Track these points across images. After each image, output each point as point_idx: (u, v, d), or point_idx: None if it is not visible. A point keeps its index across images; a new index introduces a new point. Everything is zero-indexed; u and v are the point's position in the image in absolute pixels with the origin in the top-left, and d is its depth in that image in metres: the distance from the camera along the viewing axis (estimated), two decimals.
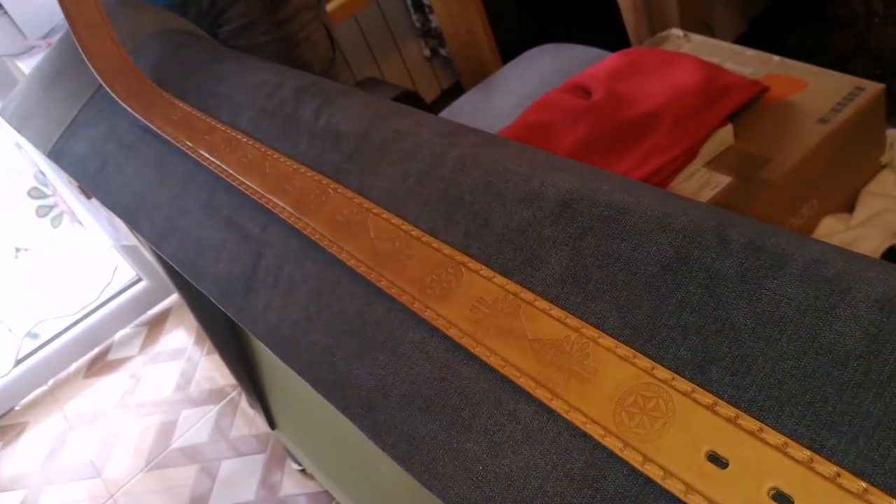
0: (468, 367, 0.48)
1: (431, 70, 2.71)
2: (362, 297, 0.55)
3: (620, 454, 0.39)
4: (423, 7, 2.53)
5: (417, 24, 2.58)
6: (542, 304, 0.47)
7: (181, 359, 2.43)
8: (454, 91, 2.65)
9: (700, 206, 0.46)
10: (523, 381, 0.45)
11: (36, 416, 2.47)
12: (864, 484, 0.31)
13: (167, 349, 2.50)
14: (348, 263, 0.57)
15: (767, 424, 0.35)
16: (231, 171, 0.71)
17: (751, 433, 0.35)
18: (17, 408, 2.52)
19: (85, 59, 0.91)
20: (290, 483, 1.91)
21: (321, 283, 0.58)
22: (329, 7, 2.01)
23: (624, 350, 0.42)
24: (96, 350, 2.63)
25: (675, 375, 0.40)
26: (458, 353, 0.48)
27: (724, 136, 1.23)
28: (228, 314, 0.64)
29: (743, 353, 0.38)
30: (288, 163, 0.68)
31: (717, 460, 0.36)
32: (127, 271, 2.51)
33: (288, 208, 0.64)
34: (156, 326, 2.58)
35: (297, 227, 0.63)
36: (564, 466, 0.41)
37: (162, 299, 2.59)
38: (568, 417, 0.42)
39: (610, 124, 1.26)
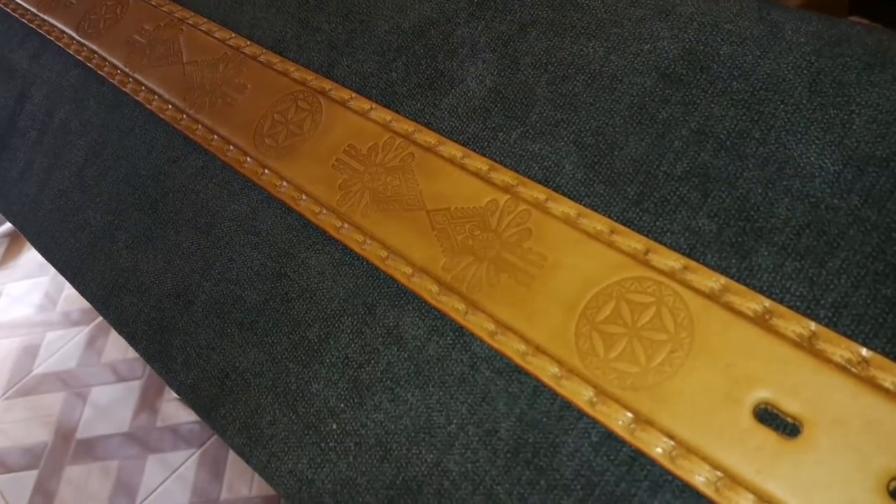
0: (324, 257, 0.28)
1: None
2: (164, 152, 0.34)
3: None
4: None
5: None
6: (448, 149, 0.27)
7: (46, 275, 2.13)
8: None
9: None
10: (416, 283, 0.25)
11: None
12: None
13: (30, 263, 2.19)
14: (147, 104, 0.36)
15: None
16: None
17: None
18: None
19: None
20: (171, 410, 1.70)
21: (106, 133, 0.37)
22: None
23: (596, 222, 0.23)
24: None
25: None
26: (309, 235, 0.29)
27: None
28: None
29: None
30: None
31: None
32: None
33: (68, 30, 0.41)
34: (18, 238, 2.26)
35: (79, 55, 0.40)
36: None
37: None
38: (499, 348, 0.23)
39: None
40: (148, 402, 1.73)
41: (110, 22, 0.40)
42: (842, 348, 0.19)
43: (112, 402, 1.84)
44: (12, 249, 2.31)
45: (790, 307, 0.20)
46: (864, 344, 0.19)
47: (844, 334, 0.19)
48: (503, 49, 0.28)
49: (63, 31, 0.42)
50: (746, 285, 0.21)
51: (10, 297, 2.15)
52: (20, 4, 0.45)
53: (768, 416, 0.19)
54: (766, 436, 0.19)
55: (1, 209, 0.39)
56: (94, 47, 0.40)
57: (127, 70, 0.37)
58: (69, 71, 0.40)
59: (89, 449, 1.69)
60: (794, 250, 0.21)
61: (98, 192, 0.35)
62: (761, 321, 0.20)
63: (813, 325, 0.19)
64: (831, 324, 0.19)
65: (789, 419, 0.19)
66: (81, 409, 1.83)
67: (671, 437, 0.20)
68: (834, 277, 0.20)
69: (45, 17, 0.43)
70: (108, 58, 0.39)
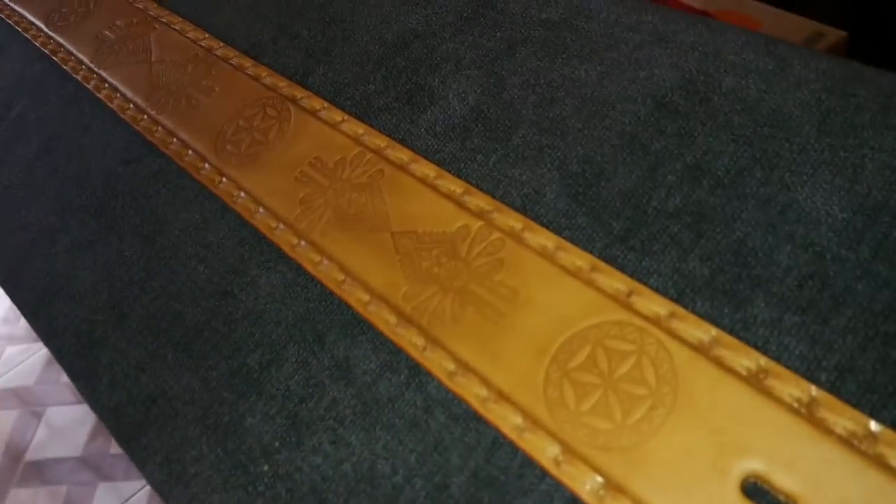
0: (276, 277, 0.25)
1: None
2: (119, 153, 0.32)
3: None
4: None
5: None
6: (422, 167, 0.25)
7: None
8: None
9: (708, 20, 0.25)
10: (372, 312, 0.23)
11: None
12: None
13: None
14: (109, 102, 0.33)
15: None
16: None
17: None
18: None
19: None
20: None
21: (62, 129, 0.34)
22: None
23: (576, 257, 0.21)
24: None
25: None
26: (262, 251, 0.26)
27: None
28: None
29: None
30: None
31: None
32: None
33: (36, 21, 0.39)
34: None
35: (44, 48, 0.38)
36: None
37: None
38: (457, 391, 0.20)
39: None
40: (104, 427, 1.66)
41: (81, 16, 0.38)
42: (845, 418, 0.16)
43: (67, 424, 1.78)
44: None
45: (788, 367, 0.17)
46: (872, 415, 0.16)
47: (849, 402, 0.17)
48: (489, 67, 0.26)
49: (32, 23, 0.39)
50: (739, 339, 0.18)
51: None
52: None
53: (757, 492, 0.16)
54: None
55: None
56: (62, 41, 0.37)
57: (92, 66, 0.35)
58: (33, 63, 0.38)
59: (38, 471, 1.61)
60: (794, 303, 0.18)
61: (45, 190, 0.33)
62: (755, 381, 0.17)
63: (813, 390, 0.17)
64: (834, 389, 0.17)
65: (782, 497, 0.16)
66: (35, 428, 1.76)
67: None
68: (839, 337, 0.18)
69: (15, 7, 0.41)
70: (75, 52, 0.36)
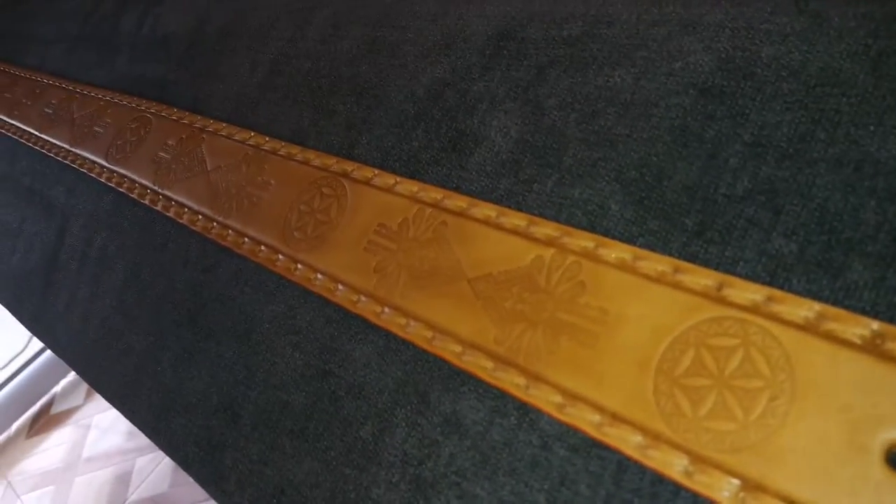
0: (368, 347, 0.26)
1: None
2: (198, 263, 0.33)
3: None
4: None
5: None
6: (482, 210, 0.25)
7: None
8: None
9: None
10: (468, 362, 0.23)
11: None
12: None
13: None
14: (179, 219, 0.35)
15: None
16: (30, 129, 0.49)
17: None
18: None
19: None
20: None
21: (142, 253, 0.36)
22: None
23: (656, 262, 0.21)
24: (38, 405, 2.36)
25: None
26: (349, 326, 0.27)
27: None
28: (25, 326, 0.41)
29: None
30: (99, 96, 0.45)
31: None
32: None
33: (98, 159, 0.42)
34: None
35: (109, 182, 0.40)
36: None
37: None
38: (570, 422, 0.20)
39: None
40: None
41: (135, 144, 0.40)
42: None
43: None
44: None
45: None
46: None
47: None
48: (524, 96, 0.26)
49: (94, 162, 0.42)
50: (846, 308, 0.18)
51: (100, 428, 2.20)
52: (54, 143, 0.46)
53: None
54: None
55: (49, 346, 0.39)
56: (124, 171, 0.40)
57: (156, 188, 0.37)
58: (102, 198, 0.40)
59: None
60: (894, 259, 0.17)
61: (138, 314, 0.34)
62: (872, 347, 0.17)
63: None
64: None
65: None
66: None
67: (791, 503, 0.16)
68: None
69: (78, 151, 0.44)
70: (137, 179, 0.38)
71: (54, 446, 2.21)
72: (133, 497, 1.94)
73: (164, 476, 1.98)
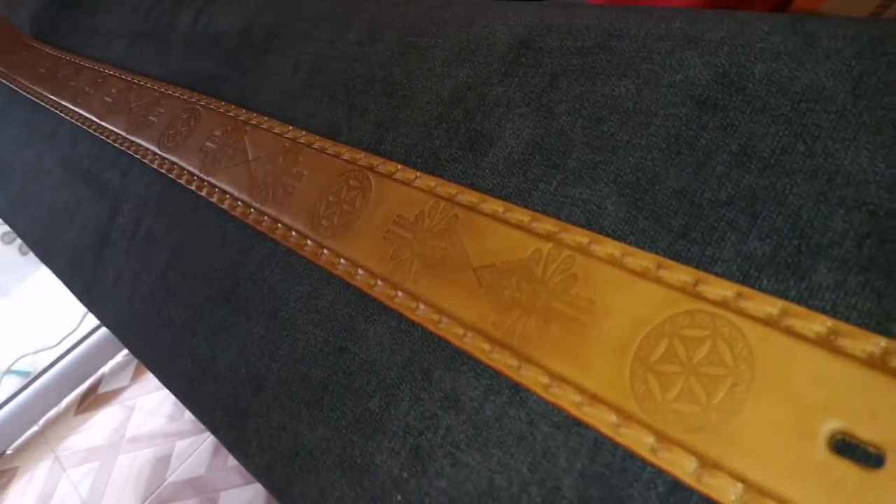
0: (382, 327, 0.28)
1: None
2: (235, 245, 0.36)
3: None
4: None
5: None
6: (490, 205, 0.27)
7: None
8: None
9: (735, 13, 0.26)
10: (469, 343, 0.25)
11: (26, 460, 2.29)
12: None
13: None
14: (220, 204, 0.38)
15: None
16: (91, 116, 0.52)
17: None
18: (8, 452, 2.35)
19: None
20: None
21: (185, 235, 0.39)
22: None
23: (642, 259, 0.22)
24: (87, 384, 2.45)
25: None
26: (366, 308, 0.29)
27: None
28: (76, 297, 0.45)
29: None
30: (155, 87, 0.49)
31: None
32: None
33: (151, 147, 0.45)
34: None
35: (161, 168, 0.43)
36: (545, 484, 0.21)
37: None
38: (554, 401, 0.22)
39: None
40: (273, 502, 1.75)
41: (185, 134, 0.43)
42: None
43: None
44: (142, 365, 2.43)
45: (857, 325, 0.18)
46: None
47: None
48: (537, 101, 0.28)
49: (147, 149, 0.45)
50: (808, 306, 0.19)
51: (144, 410, 2.27)
52: (112, 130, 0.49)
53: (846, 447, 0.17)
54: (846, 469, 0.17)
55: (97, 315, 0.42)
56: (174, 159, 0.43)
57: (201, 175, 0.40)
58: (153, 183, 0.44)
59: None
60: (856, 263, 0.19)
61: (179, 289, 0.37)
62: (826, 343, 0.18)
63: (884, 342, 0.17)
64: None
65: (870, 448, 0.17)
66: None
67: (742, 480, 0.18)
68: None
69: (133, 139, 0.47)
70: (186, 166, 0.41)
71: (100, 424, 2.29)
72: (171, 478, 2.01)
73: (202, 460, 2.04)
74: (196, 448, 2.03)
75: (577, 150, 0.26)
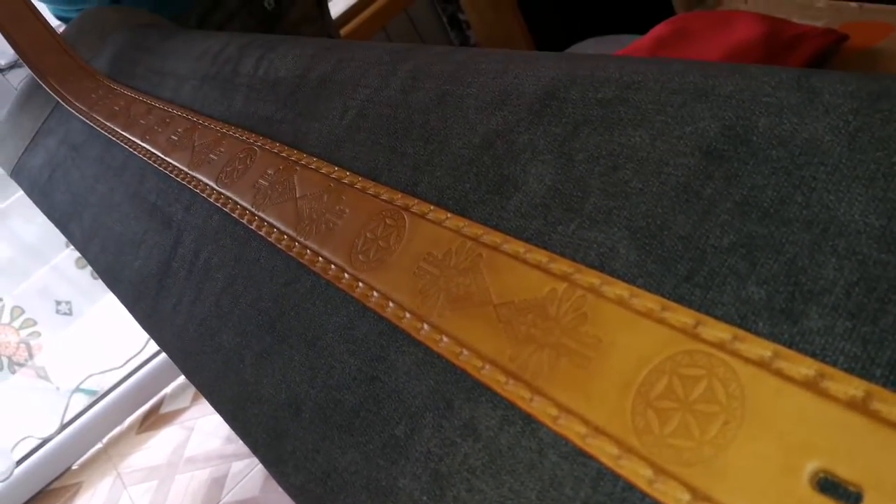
0: (409, 358, 0.30)
1: None
2: (281, 277, 0.38)
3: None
4: (459, 24, 2.39)
5: (455, 42, 2.45)
6: (512, 246, 0.29)
7: None
8: None
9: (747, 67, 0.27)
10: (486, 375, 0.26)
11: (90, 476, 2.38)
12: None
13: None
14: (268, 237, 0.41)
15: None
16: (157, 153, 0.57)
17: None
18: (74, 467, 2.44)
19: (29, 69, 0.80)
20: None
21: (238, 266, 0.42)
22: (356, 20, 1.89)
23: (648, 301, 0.24)
24: (149, 404, 2.53)
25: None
26: (396, 339, 0.31)
27: None
28: (139, 324, 0.48)
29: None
30: (217, 128, 0.52)
31: None
32: None
33: (210, 182, 0.49)
34: None
35: (217, 202, 0.47)
36: None
37: None
38: (562, 433, 0.24)
39: None
40: None
41: (241, 171, 0.46)
42: None
43: None
44: None
45: (843, 369, 0.19)
46: None
47: None
48: (560, 149, 0.30)
49: (206, 184, 0.49)
50: (798, 350, 0.20)
51: (202, 431, 2.34)
52: (176, 166, 0.53)
53: (830, 486, 0.18)
54: None
55: (156, 340, 0.45)
56: (230, 194, 0.46)
57: (253, 210, 0.43)
58: (211, 217, 0.47)
59: None
60: (844, 310, 0.20)
61: (231, 317, 0.40)
62: (813, 385, 0.19)
63: (865, 386, 0.18)
64: (888, 383, 0.18)
65: (850, 487, 0.18)
66: None
67: None
68: (888, 334, 0.19)
69: (194, 174, 0.51)
70: (240, 202, 0.45)
71: (160, 444, 2.37)
72: (227, 498, 2.05)
73: (257, 482, 2.08)
74: (251, 470, 2.08)
75: (594, 196, 0.28)
